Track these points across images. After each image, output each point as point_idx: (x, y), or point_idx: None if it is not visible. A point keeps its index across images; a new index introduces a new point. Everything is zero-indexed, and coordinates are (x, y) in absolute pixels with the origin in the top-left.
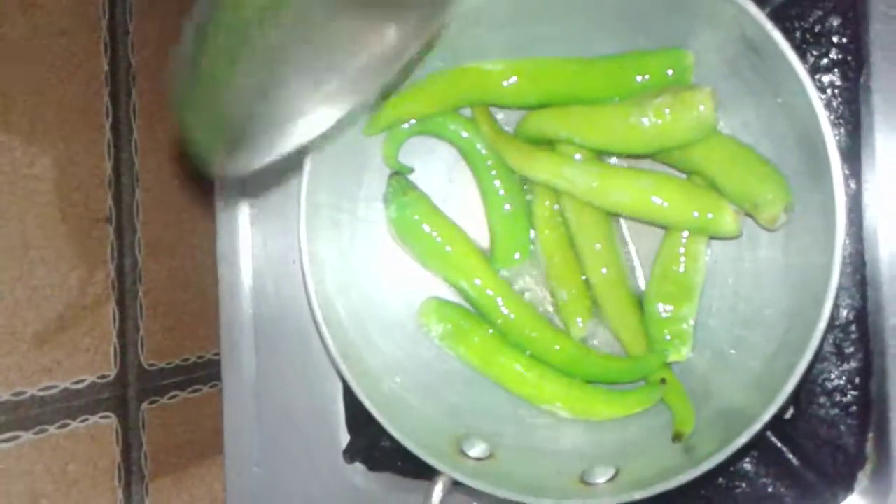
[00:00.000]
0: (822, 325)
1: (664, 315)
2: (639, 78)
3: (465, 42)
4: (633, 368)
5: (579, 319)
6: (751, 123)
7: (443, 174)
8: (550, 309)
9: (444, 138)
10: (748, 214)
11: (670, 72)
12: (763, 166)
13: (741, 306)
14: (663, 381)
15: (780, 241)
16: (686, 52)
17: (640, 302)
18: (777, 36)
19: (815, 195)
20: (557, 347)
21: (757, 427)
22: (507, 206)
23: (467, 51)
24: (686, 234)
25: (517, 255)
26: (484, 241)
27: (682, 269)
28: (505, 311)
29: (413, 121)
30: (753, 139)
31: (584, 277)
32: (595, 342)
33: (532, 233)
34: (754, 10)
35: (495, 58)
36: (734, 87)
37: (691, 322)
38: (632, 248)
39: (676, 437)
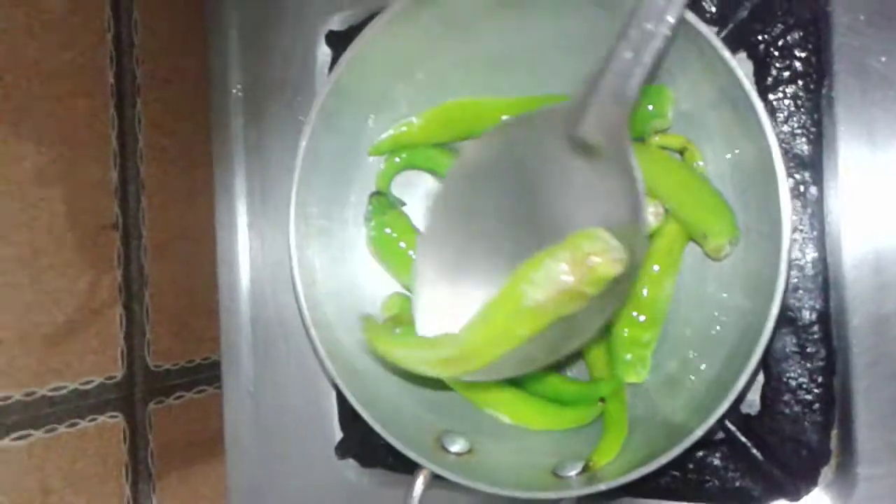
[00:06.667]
0: (770, 323)
1: (628, 338)
2: None
3: (457, 78)
4: (588, 392)
5: None
6: (713, 136)
7: (423, 206)
8: None
9: (436, 173)
10: (696, 243)
11: (651, 107)
12: (714, 200)
13: (706, 309)
14: (602, 400)
15: (741, 249)
16: (665, 89)
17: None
18: (722, 47)
19: (770, 204)
20: None
21: (715, 417)
22: None
23: (460, 86)
24: (657, 267)
25: None
26: None
27: (649, 298)
28: None
29: (402, 155)
30: (711, 144)
31: None
32: (562, 361)
33: None
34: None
35: (493, 93)
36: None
37: (653, 347)
38: None
39: (586, 466)
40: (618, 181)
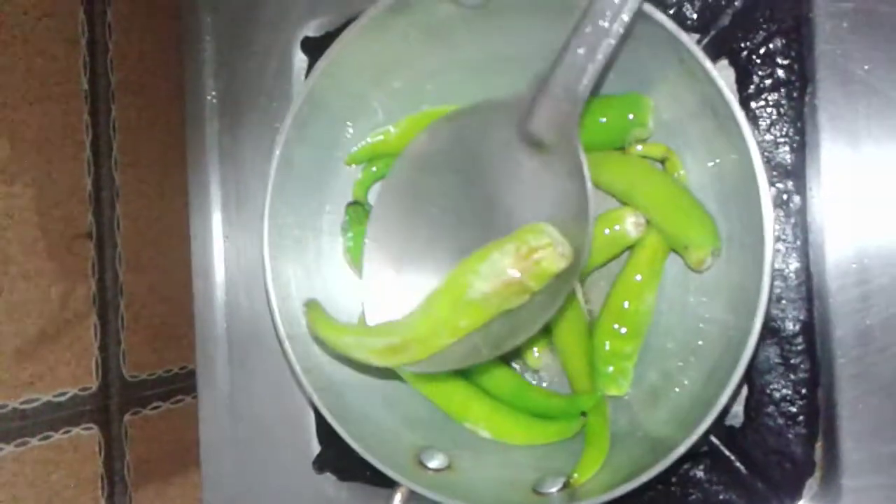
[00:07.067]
0: (754, 337)
1: (609, 351)
2: (602, 119)
3: (433, 86)
4: (569, 406)
5: (535, 349)
6: (694, 146)
7: None
8: None
9: None
10: (678, 254)
11: (631, 116)
12: (696, 211)
13: (689, 321)
14: (584, 414)
15: (723, 260)
16: (645, 97)
17: (590, 336)
18: (702, 56)
19: (752, 215)
20: (499, 379)
21: (699, 432)
22: None
23: (435, 95)
24: (638, 278)
25: None
26: None
27: (630, 310)
28: None
29: (380, 165)
30: (692, 153)
31: None
32: (544, 375)
33: None
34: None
35: (464, 103)
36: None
37: (634, 359)
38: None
39: (567, 482)
40: (566, 177)
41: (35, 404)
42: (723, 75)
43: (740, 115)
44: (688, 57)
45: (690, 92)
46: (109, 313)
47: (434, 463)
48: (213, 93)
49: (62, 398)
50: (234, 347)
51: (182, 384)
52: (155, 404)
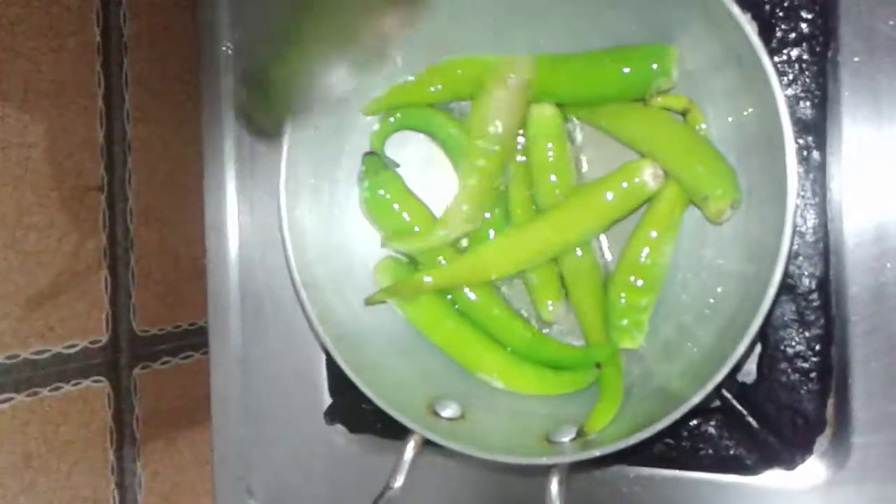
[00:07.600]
0: (773, 289)
1: (625, 303)
2: (625, 69)
3: (455, 35)
4: (583, 357)
5: (550, 303)
6: (716, 98)
7: (417, 166)
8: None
9: (430, 133)
10: (697, 206)
11: (655, 66)
12: (717, 162)
13: (705, 275)
14: (598, 366)
15: (742, 213)
16: (669, 47)
17: (605, 288)
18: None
19: (774, 167)
20: (514, 331)
21: (713, 384)
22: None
23: (457, 44)
24: (655, 232)
25: None
26: None
27: (647, 262)
28: (467, 292)
29: (397, 115)
30: (714, 105)
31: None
32: (558, 328)
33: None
34: None
35: (491, 51)
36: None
37: (649, 312)
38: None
39: (580, 432)
40: None
41: (45, 355)
42: None
43: (767, 61)
44: (714, 4)
45: (715, 41)
46: (119, 267)
47: (447, 412)
48: (229, 44)
49: (72, 350)
50: (247, 302)
51: (191, 340)
52: (164, 359)
